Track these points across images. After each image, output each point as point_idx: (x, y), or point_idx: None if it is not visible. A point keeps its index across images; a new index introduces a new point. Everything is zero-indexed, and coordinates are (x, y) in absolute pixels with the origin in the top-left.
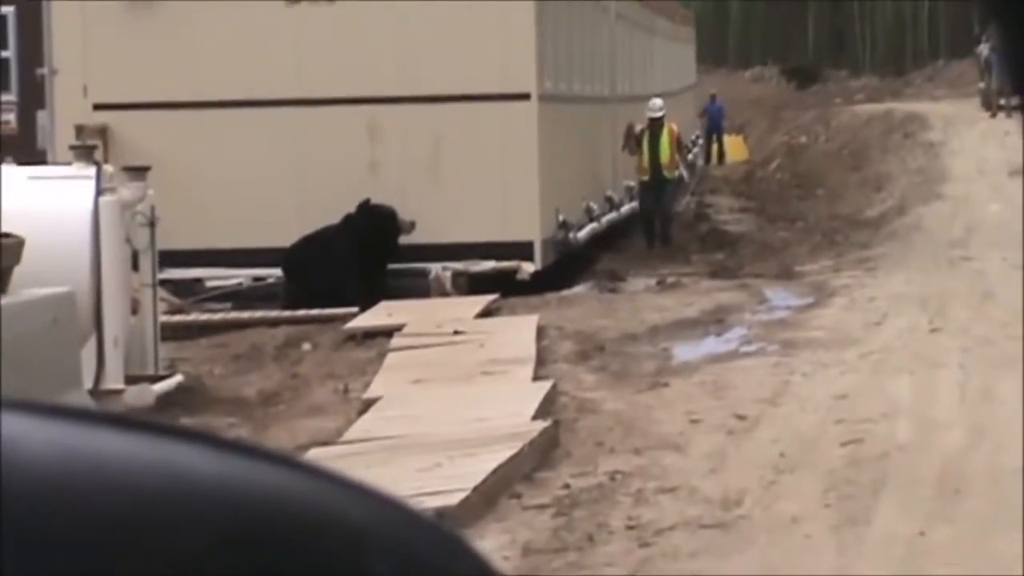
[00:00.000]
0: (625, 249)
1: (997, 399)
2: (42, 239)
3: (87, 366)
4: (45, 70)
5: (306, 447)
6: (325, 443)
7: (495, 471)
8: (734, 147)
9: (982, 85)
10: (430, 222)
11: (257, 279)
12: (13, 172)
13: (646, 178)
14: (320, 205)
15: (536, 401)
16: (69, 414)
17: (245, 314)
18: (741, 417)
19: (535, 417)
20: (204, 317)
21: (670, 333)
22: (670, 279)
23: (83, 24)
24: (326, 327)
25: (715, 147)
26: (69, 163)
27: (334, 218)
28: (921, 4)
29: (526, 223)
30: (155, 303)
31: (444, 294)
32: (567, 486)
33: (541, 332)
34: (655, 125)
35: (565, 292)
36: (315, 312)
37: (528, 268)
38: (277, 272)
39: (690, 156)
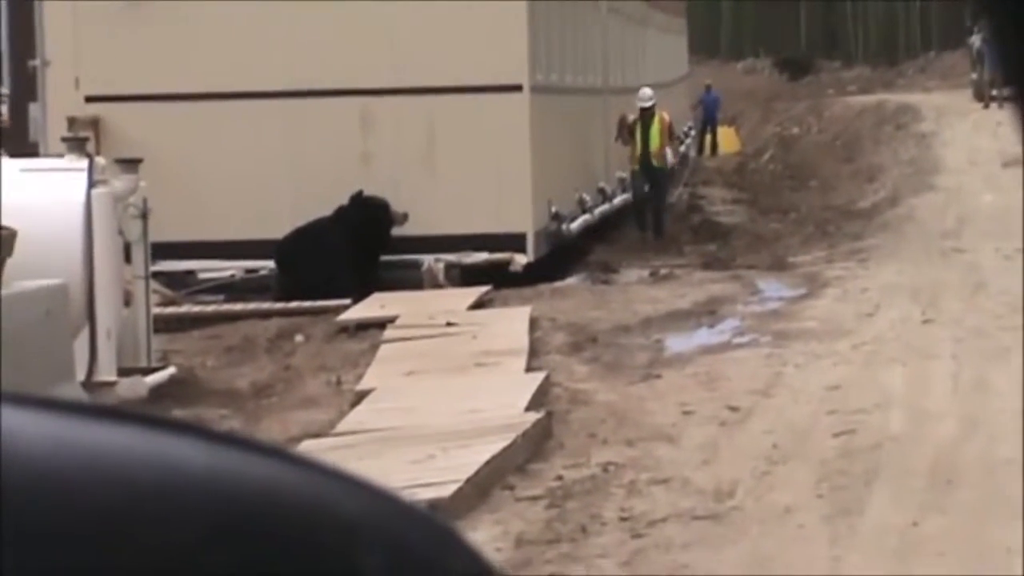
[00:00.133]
0: (618, 240)
1: (990, 390)
2: (34, 231)
3: (80, 358)
4: (37, 62)
5: (298, 439)
6: (318, 435)
7: (488, 463)
8: (726, 138)
9: (974, 76)
10: (423, 214)
11: (250, 271)
12: (5, 164)
13: (638, 168)
14: (313, 197)
15: (529, 392)
16: (62, 407)
17: (238, 306)
18: (734, 408)
19: (528, 408)
20: (197, 309)
21: (663, 324)
22: (663, 270)
23: (75, 16)
24: (319, 319)
25: (708, 138)
26: (61, 155)
27: (327, 210)
28: None
29: (519, 215)
30: (148, 295)
31: (437, 286)
32: (560, 477)
33: (534, 324)
34: (646, 115)
35: (558, 283)
36: (308, 304)
37: (521, 260)
38: (270, 264)
39: (682, 147)
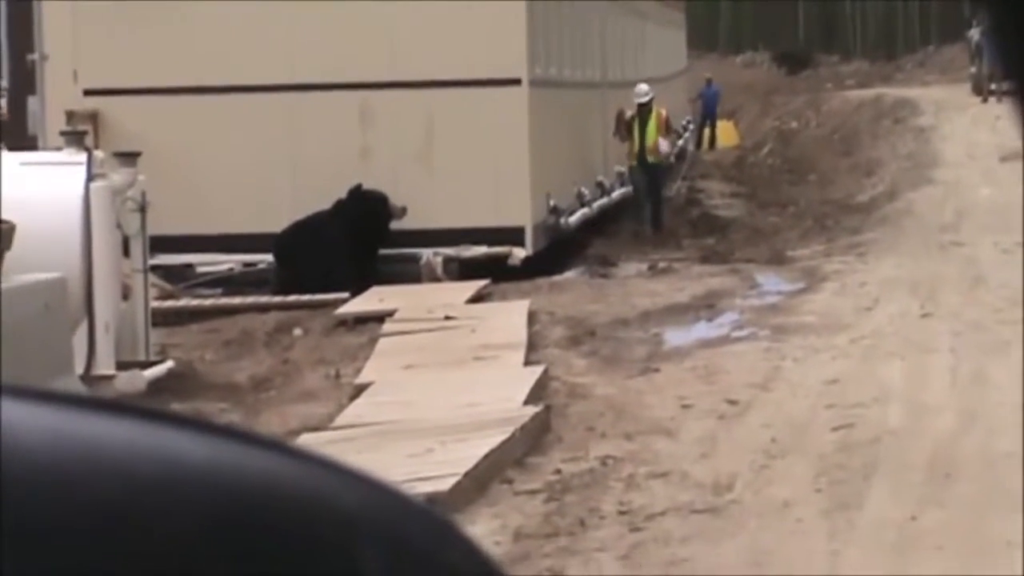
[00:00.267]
0: (616, 234)
1: (988, 383)
2: (33, 225)
3: (78, 352)
4: (36, 56)
5: (297, 432)
6: (316, 428)
7: (487, 456)
8: (725, 132)
9: (973, 70)
10: (421, 207)
11: (248, 265)
12: (4, 158)
13: (635, 163)
14: (311, 190)
15: (527, 386)
16: (61, 399)
17: (236, 300)
18: (732, 402)
19: (526, 402)
20: (195, 303)
21: (661, 318)
22: (661, 264)
23: (73, 10)
24: (317, 312)
25: (707, 132)
26: (60, 149)
27: (325, 203)
28: None
29: (517, 208)
30: (146, 289)
31: (435, 279)
32: (558, 471)
33: (532, 317)
34: (643, 110)
35: (556, 277)
36: (306, 298)
37: (519, 253)
38: (268, 258)
39: (680, 142)
